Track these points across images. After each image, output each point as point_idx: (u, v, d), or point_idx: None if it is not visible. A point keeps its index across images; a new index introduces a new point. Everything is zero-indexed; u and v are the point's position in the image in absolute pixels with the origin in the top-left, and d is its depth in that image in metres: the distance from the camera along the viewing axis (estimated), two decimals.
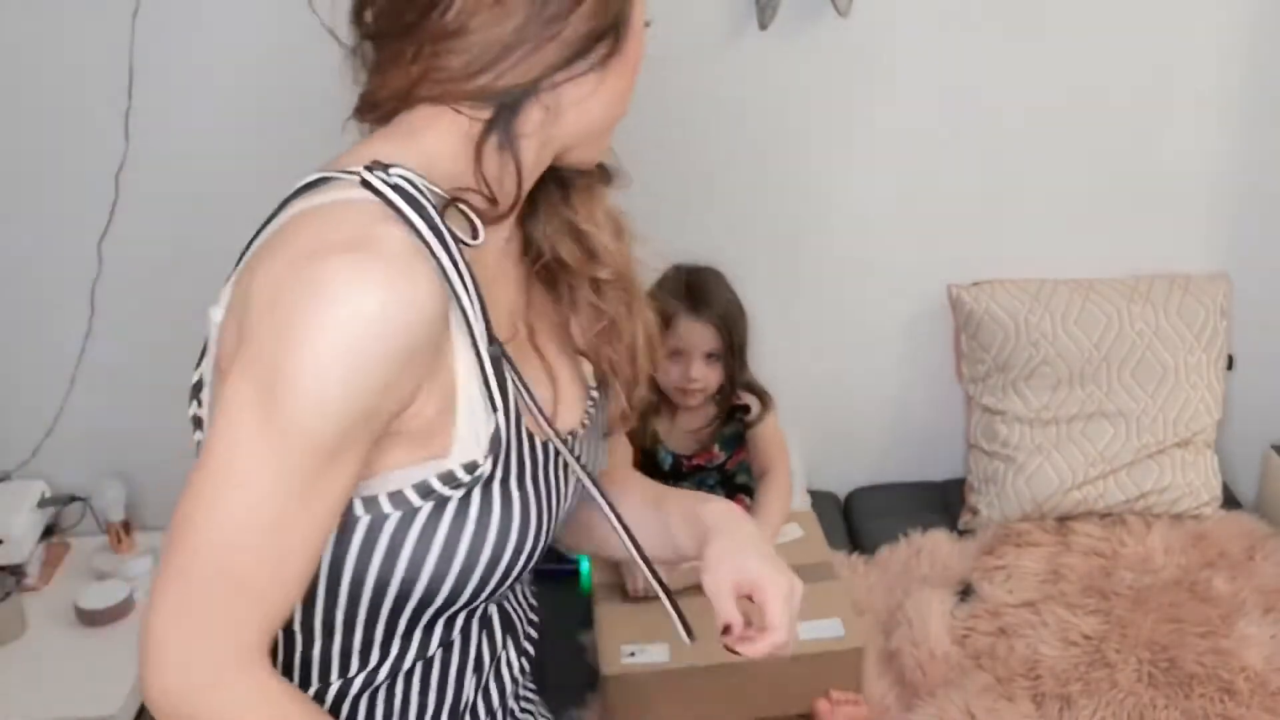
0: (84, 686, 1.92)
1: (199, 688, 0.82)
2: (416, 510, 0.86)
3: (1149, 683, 1.79)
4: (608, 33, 0.85)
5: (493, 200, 0.86)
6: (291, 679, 0.93)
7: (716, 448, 1.99)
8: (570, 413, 0.99)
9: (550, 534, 0.94)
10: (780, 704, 1.73)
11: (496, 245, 0.93)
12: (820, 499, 2.33)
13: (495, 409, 0.86)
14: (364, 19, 0.88)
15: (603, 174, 0.99)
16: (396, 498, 0.86)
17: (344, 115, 0.94)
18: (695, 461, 1.99)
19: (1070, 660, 1.84)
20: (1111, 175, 2.21)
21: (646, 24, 0.92)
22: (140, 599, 2.11)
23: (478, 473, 0.86)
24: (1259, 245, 2.28)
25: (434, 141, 0.87)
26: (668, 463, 1.99)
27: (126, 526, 2.21)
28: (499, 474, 0.88)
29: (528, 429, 0.91)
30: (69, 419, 2.26)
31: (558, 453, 0.94)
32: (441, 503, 0.86)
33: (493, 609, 1.01)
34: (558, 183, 0.96)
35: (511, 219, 0.91)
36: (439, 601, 0.90)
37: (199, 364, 0.92)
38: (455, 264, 0.83)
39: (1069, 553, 2.09)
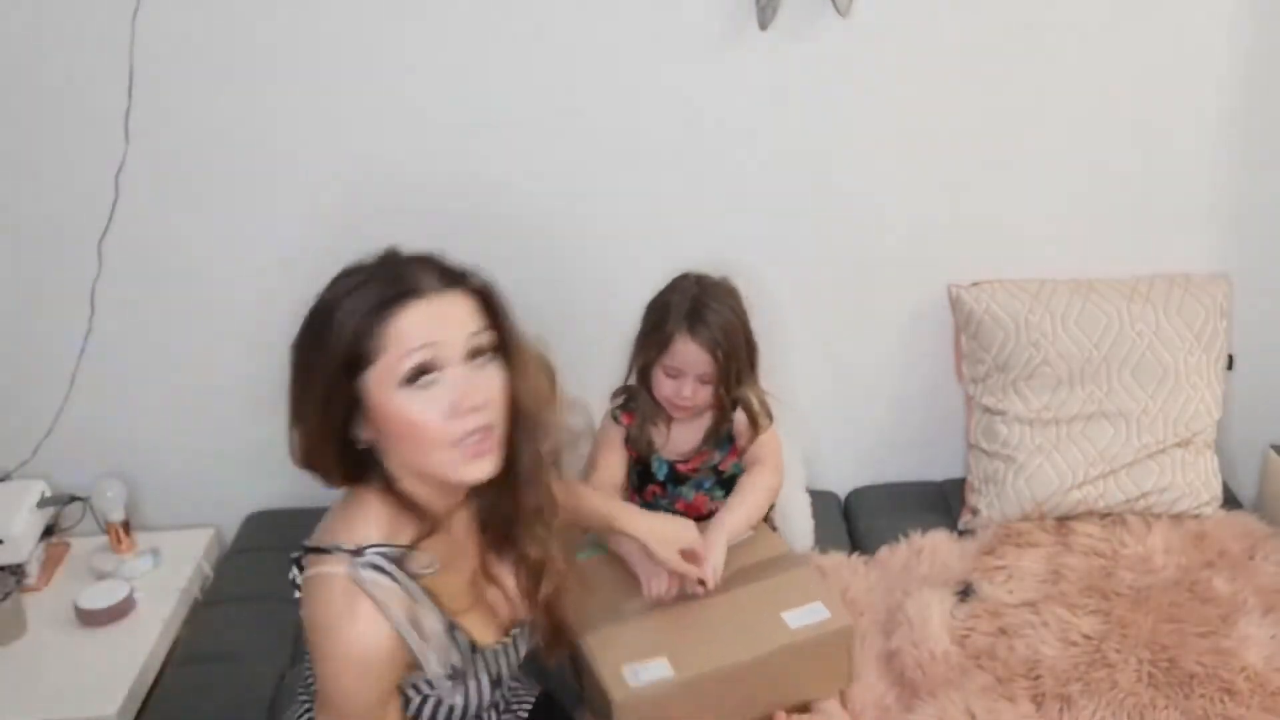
0: (84, 686, 1.92)
1: None
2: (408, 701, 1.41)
3: (1149, 683, 1.79)
4: (364, 427, 1.32)
5: (425, 519, 1.35)
6: None
7: (710, 449, 1.99)
8: (519, 608, 1.48)
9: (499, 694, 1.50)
10: (783, 695, 1.74)
11: (462, 521, 1.44)
12: (820, 499, 2.33)
13: (457, 647, 1.39)
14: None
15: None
16: None
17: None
18: (690, 466, 1.99)
19: (1070, 660, 1.84)
20: (1111, 175, 2.21)
21: (416, 376, 1.26)
22: (140, 599, 2.11)
23: (441, 682, 1.38)
24: (1259, 245, 2.28)
25: (376, 512, 1.35)
26: (663, 471, 1.99)
27: (126, 526, 2.22)
28: (456, 682, 1.41)
29: (478, 644, 1.42)
30: (69, 419, 2.26)
31: (511, 644, 1.49)
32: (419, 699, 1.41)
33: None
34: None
35: (454, 516, 1.41)
36: None
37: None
38: (414, 599, 1.33)
39: (1069, 553, 2.09)
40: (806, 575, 1.86)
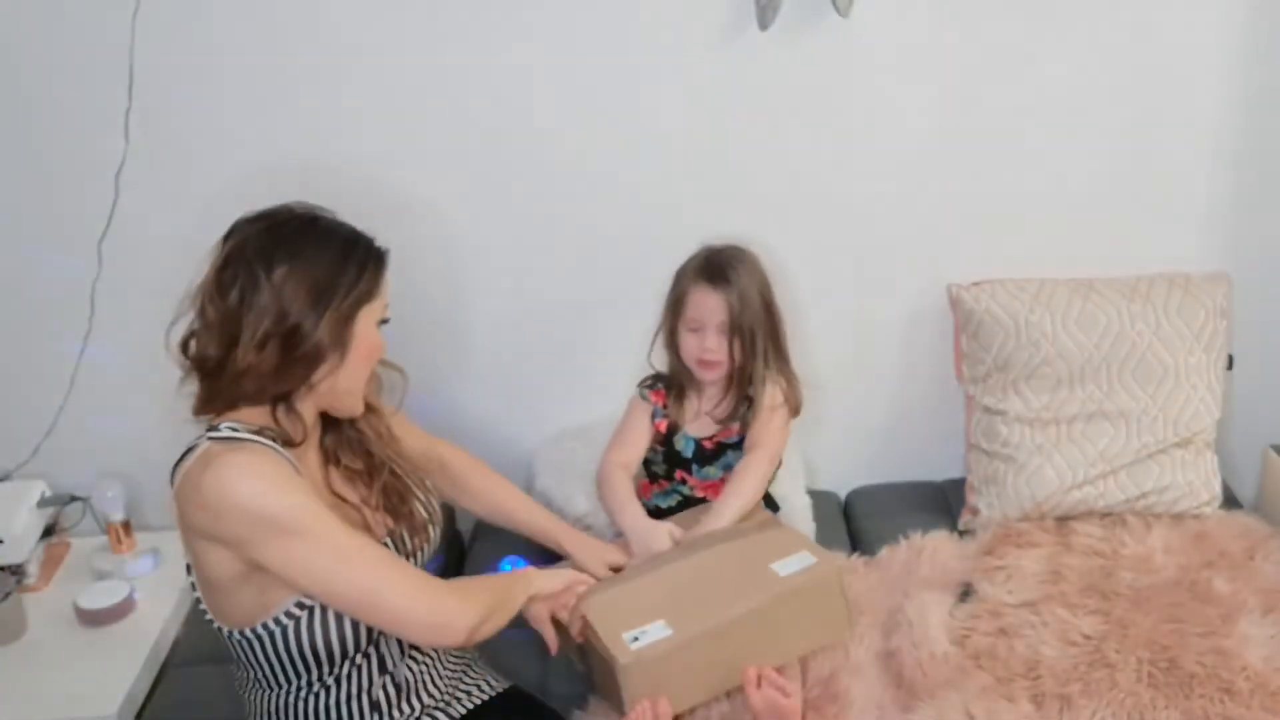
0: (84, 686, 1.92)
1: (452, 614, 1.48)
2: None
3: (1149, 683, 1.79)
4: (334, 351, 1.47)
5: (289, 439, 1.50)
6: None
7: (736, 424, 2.00)
8: (378, 525, 1.62)
9: None
10: (786, 646, 1.76)
11: (313, 450, 1.60)
12: (820, 499, 2.33)
13: None
14: (190, 353, 1.57)
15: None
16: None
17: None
18: (716, 440, 2.00)
19: (1070, 660, 1.84)
20: (1111, 175, 2.21)
21: (384, 321, 1.54)
22: (140, 599, 2.11)
23: None
24: (1259, 245, 2.28)
25: (252, 416, 1.51)
26: (690, 449, 2.00)
27: (126, 526, 2.22)
28: None
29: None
30: (69, 419, 2.26)
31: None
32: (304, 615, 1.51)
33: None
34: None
35: (312, 438, 1.57)
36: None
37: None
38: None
39: (1069, 553, 2.09)
40: (787, 532, 1.90)
